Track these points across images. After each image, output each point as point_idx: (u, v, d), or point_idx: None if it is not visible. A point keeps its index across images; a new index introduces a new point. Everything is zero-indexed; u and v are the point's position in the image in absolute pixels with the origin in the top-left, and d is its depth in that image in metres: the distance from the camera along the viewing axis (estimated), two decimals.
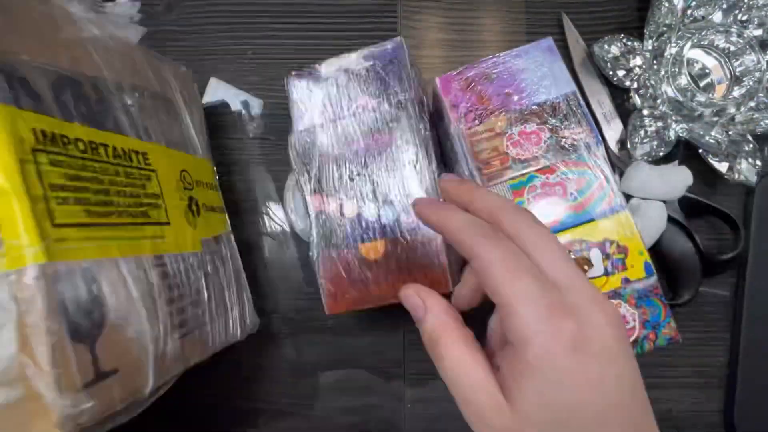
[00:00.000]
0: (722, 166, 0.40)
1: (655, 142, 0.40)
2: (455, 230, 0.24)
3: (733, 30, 0.40)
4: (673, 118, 0.40)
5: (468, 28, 0.45)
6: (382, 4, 0.45)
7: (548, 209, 0.35)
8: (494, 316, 0.26)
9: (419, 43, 0.45)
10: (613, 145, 0.42)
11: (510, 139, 0.36)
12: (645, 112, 0.41)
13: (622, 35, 0.42)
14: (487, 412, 0.22)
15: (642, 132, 0.40)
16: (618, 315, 0.22)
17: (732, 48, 0.41)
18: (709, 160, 0.40)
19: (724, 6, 0.41)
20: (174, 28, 0.45)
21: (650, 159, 0.40)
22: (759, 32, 0.41)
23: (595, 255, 0.34)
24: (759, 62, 0.40)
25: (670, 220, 0.40)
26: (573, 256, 0.34)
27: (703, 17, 0.41)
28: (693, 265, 0.41)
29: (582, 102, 0.36)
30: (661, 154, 0.40)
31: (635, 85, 0.41)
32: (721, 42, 0.41)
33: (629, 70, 0.41)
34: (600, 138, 0.35)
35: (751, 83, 0.40)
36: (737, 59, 0.41)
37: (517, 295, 0.21)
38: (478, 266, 0.22)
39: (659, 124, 0.40)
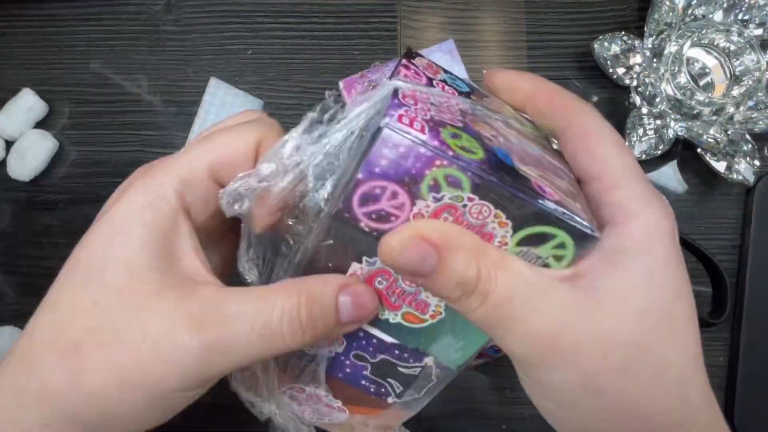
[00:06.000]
0: (720, 166, 0.40)
1: (654, 141, 0.40)
2: (554, 91, 0.22)
3: (733, 29, 0.40)
4: (672, 116, 0.40)
5: (468, 28, 0.45)
6: (382, 4, 0.45)
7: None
8: None
9: (419, 43, 0.45)
10: None
11: None
12: (644, 110, 0.41)
13: (623, 33, 0.41)
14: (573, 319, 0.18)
15: (641, 130, 0.40)
16: None
17: (732, 47, 0.41)
18: (708, 159, 0.40)
19: (725, 5, 0.41)
20: (174, 28, 0.45)
21: (648, 157, 0.40)
22: (759, 32, 0.41)
23: None
24: (759, 62, 0.40)
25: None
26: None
27: (704, 16, 0.41)
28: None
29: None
30: (660, 152, 0.40)
31: (635, 83, 0.41)
32: (721, 41, 0.41)
33: (629, 68, 0.41)
34: None
35: (750, 83, 0.40)
36: (737, 59, 0.41)
37: (628, 169, 0.20)
38: (580, 132, 0.20)
39: (658, 122, 0.40)
